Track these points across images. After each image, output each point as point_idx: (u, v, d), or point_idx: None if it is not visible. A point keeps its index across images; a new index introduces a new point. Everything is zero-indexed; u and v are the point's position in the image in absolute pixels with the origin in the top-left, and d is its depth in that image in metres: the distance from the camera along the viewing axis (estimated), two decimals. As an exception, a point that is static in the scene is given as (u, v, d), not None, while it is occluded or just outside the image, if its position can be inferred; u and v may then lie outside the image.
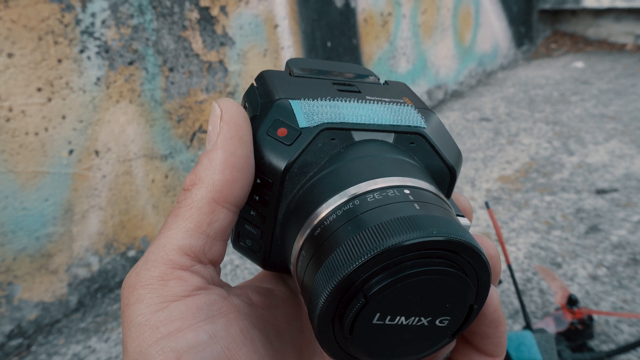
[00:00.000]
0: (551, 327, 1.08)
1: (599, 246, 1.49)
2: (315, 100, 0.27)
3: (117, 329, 1.39)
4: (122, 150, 1.49)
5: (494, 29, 3.34)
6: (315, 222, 0.24)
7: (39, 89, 1.29)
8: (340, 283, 0.21)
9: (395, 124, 0.28)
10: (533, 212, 1.72)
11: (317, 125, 0.26)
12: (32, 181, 1.31)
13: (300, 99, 0.27)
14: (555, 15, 4.01)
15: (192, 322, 0.22)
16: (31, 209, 1.32)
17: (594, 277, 1.36)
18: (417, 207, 0.23)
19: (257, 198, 0.27)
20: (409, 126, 0.28)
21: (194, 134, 1.66)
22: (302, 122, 0.26)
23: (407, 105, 0.30)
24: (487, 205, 0.99)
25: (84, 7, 1.34)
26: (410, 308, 0.22)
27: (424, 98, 2.81)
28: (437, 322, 0.23)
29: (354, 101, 0.28)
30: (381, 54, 2.47)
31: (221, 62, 1.71)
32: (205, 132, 1.69)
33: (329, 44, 2.16)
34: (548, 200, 1.77)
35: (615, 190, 1.78)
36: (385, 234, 0.21)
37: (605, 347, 1.13)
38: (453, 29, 2.94)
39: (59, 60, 1.32)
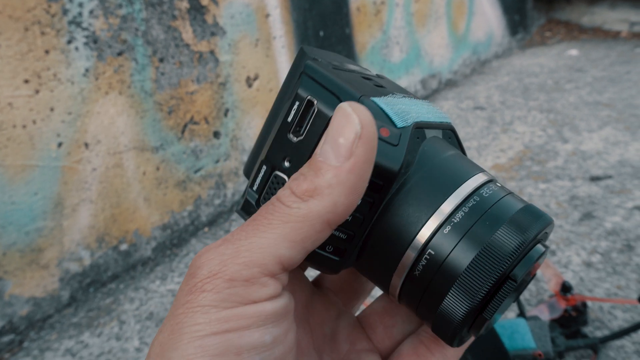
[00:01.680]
0: (545, 315, 1.07)
1: (593, 233, 1.48)
2: (388, 96, 0.28)
3: (110, 323, 1.38)
4: (112, 143, 1.47)
5: (488, 18, 3.32)
6: (421, 246, 0.25)
7: (26, 81, 1.27)
8: (479, 301, 0.24)
9: (438, 121, 0.30)
10: (528, 199, 1.71)
11: (411, 125, 0.27)
12: (21, 175, 1.30)
13: (379, 97, 0.27)
14: (550, 3, 3.99)
15: (263, 324, 0.22)
16: (20, 203, 1.31)
17: (588, 264, 1.36)
18: (507, 206, 0.26)
19: (359, 202, 0.26)
20: (447, 123, 0.30)
21: (185, 126, 1.65)
22: (398, 122, 0.26)
23: (426, 101, 0.32)
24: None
25: (70, -2, 1.32)
26: (522, 283, 0.26)
27: (418, 87, 2.79)
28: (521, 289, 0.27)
29: (405, 98, 0.29)
30: (374, 43, 2.45)
31: (212, 52, 1.69)
32: (196, 123, 1.68)
33: (321, 33, 2.14)
34: (542, 188, 1.77)
35: (609, 177, 1.78)
36: (503, 246, 0.24)
37: (599, 333, 1.13)
38: (447, 18, 2.92)
39: (46, 51, 1.30)
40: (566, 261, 1.38)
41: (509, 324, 0.93)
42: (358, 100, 0.26)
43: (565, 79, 2.90)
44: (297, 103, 0.27)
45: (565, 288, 1.08)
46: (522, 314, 1.02)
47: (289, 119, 0.27)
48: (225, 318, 0.22)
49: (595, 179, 1.78)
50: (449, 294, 0.24)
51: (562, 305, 1.07)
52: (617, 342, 1.09)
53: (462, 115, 2.55)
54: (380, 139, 0.25)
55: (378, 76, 0.34)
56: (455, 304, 0.24)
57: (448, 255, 0.24)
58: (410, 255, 0.26)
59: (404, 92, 0.31)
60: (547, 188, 1.76)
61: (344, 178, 0.23)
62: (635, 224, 1.49)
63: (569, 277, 1.32)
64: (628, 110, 2.32)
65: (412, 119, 0.27)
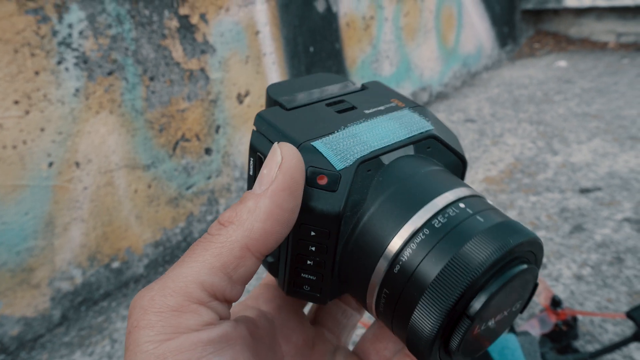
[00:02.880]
0: (536, 329, 1.08)
1: (584, 245, 1.49)
2: (333, 134, 0.28)
3: (102, 342, 1.37)
4: (103, 161, 1.47)
5: (477, 30, 3.36)
6: (390, 258, 0.25)
7: (16, 102, 1.27)
8: (448, 311, 0.23)
9: (409, 135, 0.29)
10: (518, 212, 1.72)
11: (353, 163, 0.27)
12: (11, 195, 1.30)
13: (321, 138, 0.28)
14: (538, 15, 4.03)
15: (202, 355, 0.22)
16: (11, 223, 1.31)
17: (579, 277, 1.37)
18: (481, 220, 0.24)
19: (313, 249, 0.27)
20: (421, 132, 0.29)
21: (176, 143, 1.65)
22: (338, 164, 0.26)
23: (407, 109, 0.31)
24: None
25: (60, 18, 1.33)
26: (498, 309, 0.25)
27: (409, 100, 2.81)
28: (513, 309, 0.26)
29: (364, 123, 0.29)
30: (364, 58, 2.47)
31: (202, 70, 1.70)
32: (187, 140, 1.68)
33: (311, 49, 2.16)
34: (533, 201, 1.78)
35: (598, 189, 1.79)
36: (472, 258, 0.23)
37: (590, 347, 1.14)
38: (436, 31, 2.95)
39: (36, 73, 1.30)
40: (557, 274, 1.39)
41: (499, 339, 0.94)
42: (298, 147, 0.27)
43: (554, 90, 2.93)
44: (251, 159, 0.29)
45: (556, 302, 1.09)
46: (512, 329, 1.02)
47: (251, 173, 0.29)
48: (163, 354, 0.22)
49: (585, 191, 1.80)
50: (419, 305, 0.24)
51: (553, 319, 1.08)
52: (608, 357, 1.10)
53: (453, 128, 2.57)
54: (317, 187, 0.26)
55: (363, 87, 0.34)
56: (424, 317, 0.23)
57: (416, 268, 0.24)
58: (372, 292, 0.26)
59: (384, 102, 0.31)
60: (538, 201, 1.78)
61: (261, 203, 0.24)
62: (625, 236, 1.50)
63: (559, 290, 1.33)
64: (616, 121, 2.35)
65: (357, 154, 0.27)
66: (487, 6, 3.44)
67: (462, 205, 0.25)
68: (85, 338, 1.39)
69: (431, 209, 0.25)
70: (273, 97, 0.32)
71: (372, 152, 0.27)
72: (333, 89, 0.33)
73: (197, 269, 0.23)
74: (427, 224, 0.24)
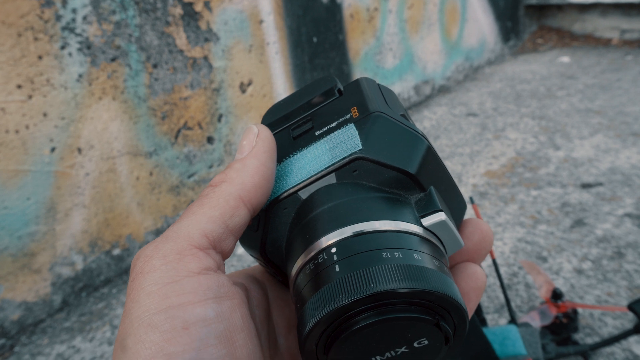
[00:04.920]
0: (536, 321, 1.08)
1: (584, 240, 1.50)
2: None
3: (102, 328, 1.37)
4: (105, 148, 1.47)
5: (480, 24, 3.35)
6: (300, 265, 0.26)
7: (19, 86, 1.27)
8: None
9: (332, 162, 0.28)
10: (519, 206, 1.72)
11: (267, 205, 0.29)
12: (13, 180, 1.29)
13: None
14: (542, 10, 4.02)
15: (202, 299, 0.23)
16: (12, 207, 1.30)
17: (579, 271, 1.37)
18: (337, 270, 0.23)
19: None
20: (347, 156, 0.28)
21: (178, 131, 1.65)
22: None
23: (348, 125, 0.29)
24: (471, 200, 0.99)
25: (64, 3, 1.32)
26: (382, 347, 0.23)
27: (411, 93, 2.81)
28: (415, 344, 0.24)
29: (299, 153, 0.30)
30: (368, 50, 2.46)
31: (206, 58, 1.70)
32: (190, 128, 1.68)
33: (314, 39, 2.15)
34: (534, 195, 1.78)
35: (600, 184, 1.79)
36: (303, 319, 0.23)
37: (589, 340, 1.14)
38: (440, 24, 2.94)
39: (40, 57, 1.30)
40: (557, 268, 1.39)
41: (500, 330, 0.94)
42: None
43: (557, 85, 2.92)
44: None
45: (556, 295, 1.09)
46: (513, 320, 1.02)
47: None
48: (166, 294, 0.22)
49: (586, 186, 1.80)
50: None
51: (553, 312, 1.08)
52: (607, 349, 1.10)
53: (455, 122, 2.57)
54: (249, 226, 0.29)
55: (343, 90, 0.32)
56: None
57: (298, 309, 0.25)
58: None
59: (342, 114, 0.30)
60: (539, 195, 1.78)
61: (247, 162, 0.28)
62: (626, 231, 1.50)
63: (560, 283, 1.33)
64: (619, 117, 2.34)
65: (275, 194, 0.29)
66: (491, 0, 3.42)
67: (333, 250, 0.24)
68: (86, 324, 1.39)
69: (309, 252, 0.25)
70: (263, 122, 0.34)
71: (286, 190, 0.29)
72: (312, 103, 0.33)
73: (197, 219, 0.25)
74: (305, 267, 0.25)
